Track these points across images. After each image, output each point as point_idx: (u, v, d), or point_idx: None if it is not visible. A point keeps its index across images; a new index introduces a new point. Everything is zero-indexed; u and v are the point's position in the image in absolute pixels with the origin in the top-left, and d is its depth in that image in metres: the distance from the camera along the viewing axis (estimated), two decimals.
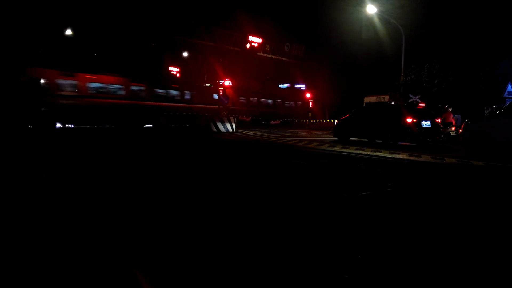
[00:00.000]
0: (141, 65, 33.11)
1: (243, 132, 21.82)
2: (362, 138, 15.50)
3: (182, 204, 5.09)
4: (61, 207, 4.77)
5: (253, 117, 33.51)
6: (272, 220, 4.37)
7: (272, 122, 35.03)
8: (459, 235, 3.98)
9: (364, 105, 23.68)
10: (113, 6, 27.89)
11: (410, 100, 21.00)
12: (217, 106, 26.29)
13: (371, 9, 24.15)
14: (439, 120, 14.67)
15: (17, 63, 21.79)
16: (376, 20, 27.73)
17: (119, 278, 2.78)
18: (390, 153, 11.42)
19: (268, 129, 25.92)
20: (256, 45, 36.70)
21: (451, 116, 16.41)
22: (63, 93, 20.74)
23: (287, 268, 3.02)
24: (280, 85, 45.30)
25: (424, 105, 15.42)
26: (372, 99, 26.15)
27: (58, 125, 20.83)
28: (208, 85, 32.02)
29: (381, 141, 14.25)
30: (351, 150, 12.25)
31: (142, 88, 25.43)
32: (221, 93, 25.43)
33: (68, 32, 27.93)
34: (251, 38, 36.00)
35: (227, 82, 25.79)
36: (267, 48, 38.22)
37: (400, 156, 10.78)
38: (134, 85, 24.95)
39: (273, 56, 39.34)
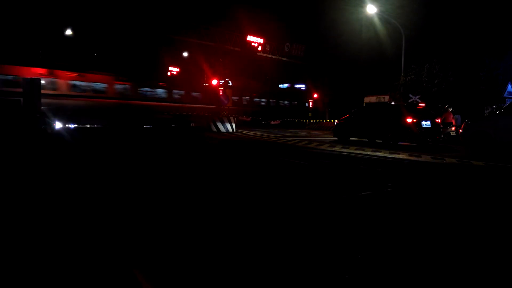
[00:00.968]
0: (140, 65, 33.12)
1: (243, 132, 21.81)
2: (362, 138, 15.50)
3: (182, 204, 5.09)
4: (61, 207, 4.77)
5: (253, 117, 33.53)
6: (272, 220, 4.37)
7: (272, 122, 35.05)
8: (459, 235, 3.98)
9: (364, 105, 23.70)
10: (113, 5, 27.90)
11: (410, 100, 20.99)
12: (213, 106, 26.18)
13: (371, 9, 24.14)
14: (439, 120, 14.67)
15: None
16: (376, 20, 27.73)
17: (119, 278, 2.78)
18: (390, 153, 11.42)
19: (268, 129, 25.92)
20: (256, 45, 36.71)
21: (451, 116, 16.41)
22: (42, 91, 19.53)
23: (287, 268, 3.02)
24: (280, 85, 45.34)
25: (424, 105, 15.42)
26: (372, 99, 26.17)
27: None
28: (205, 84, 31.92)
29: (381, 141, 14.25)
30: (351, 150, 12.25)
31: (127, 86, 24.75)
32: (221, 93, 25.44)
33: (68, 31, 27.94)
34: (251, 38, 36.01)
35: (227, 82, 25.79)
36: (267, 48, 38.23)
37: (400, 156, 10.77)
38: (118, 84, 24.25)
39: (273, 56, 39.35)
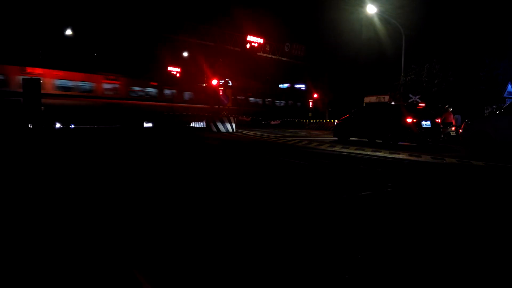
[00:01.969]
0: (140, 65, 33.11)
1: (243, 132, 21.82)
2: (362, 138, 15.50)
3: (183, 204, 5.09)
4: (61, 207, 4.77)
5: (253, 117, 33.55)
6: (272, 220, 4.37)
7: (272, 122, 35.07)
8: (458, 235, 3.98)
9: (364, 105, 23.71)
10: (113, 5, 27.89)
11: (410, 100, 21.01)
12: (213, 106, 26.13)
13: (371, 9, 24.15)
14: (439, 120, 14.68)
15: None
16: (376, 20, 27.74)
17: (119, 278, 2.78)
18: (390, 153, 11.42)
19: (268, 129, 25.93)
20: (256, 45, 36.69)
21: (451, 116, 16.42)
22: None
23: (287, 268, 3.02)
24: (280, 85, 45.37)
25: (424, 105, 15.42)
26: (372, 99, 26.19)
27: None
28: (204, 85, 31.87)
29: (381, 141, 14.26)
30: (351, 150, 12.25)
31: (117, 85, 23.99)
32: (221, 93, 25.44)
33: (67, 31, 27.93)
34: (251, 38, 35.99)
35: (227, 82, 25.80)
36: (267, 48, 38.21)
37: (400, 156, 10.77)
38: (107, 83, 23.50)
39: (273, 56, 39.34)
